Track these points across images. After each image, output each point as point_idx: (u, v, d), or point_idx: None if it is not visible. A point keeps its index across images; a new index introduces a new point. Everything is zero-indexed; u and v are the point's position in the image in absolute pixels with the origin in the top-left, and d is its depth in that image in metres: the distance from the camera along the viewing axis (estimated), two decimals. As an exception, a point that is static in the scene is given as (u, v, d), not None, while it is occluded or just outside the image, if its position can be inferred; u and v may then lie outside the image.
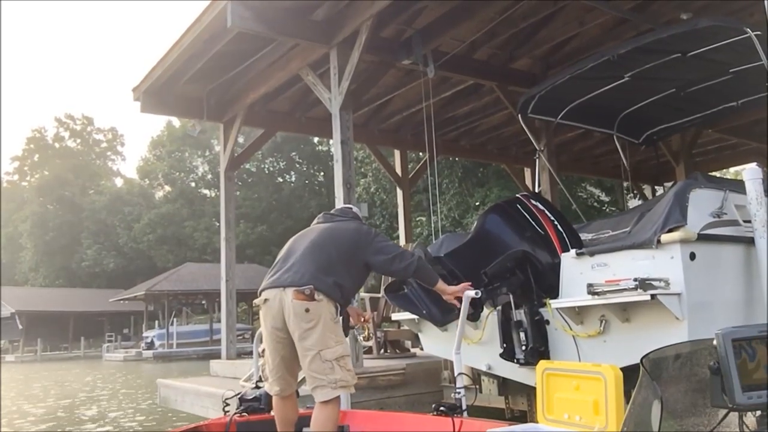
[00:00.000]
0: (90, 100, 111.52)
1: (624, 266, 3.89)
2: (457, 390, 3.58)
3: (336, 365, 3.30)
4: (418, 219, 21.41)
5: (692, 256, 3.69)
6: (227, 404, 4.00)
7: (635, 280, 3.55)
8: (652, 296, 3.54)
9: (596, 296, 3.77)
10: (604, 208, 23.33)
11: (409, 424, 3.78)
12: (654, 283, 3.57)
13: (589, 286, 3.78)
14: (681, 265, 3.64)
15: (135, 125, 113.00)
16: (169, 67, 7.72)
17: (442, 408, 3.48)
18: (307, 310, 3.30)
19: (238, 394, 3.98)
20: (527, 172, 12.25)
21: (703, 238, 3.77)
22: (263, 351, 3.59)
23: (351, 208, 3.92)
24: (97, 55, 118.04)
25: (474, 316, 4.63)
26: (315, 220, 3.83)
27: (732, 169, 17.61)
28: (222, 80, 8.49)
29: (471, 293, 3.71)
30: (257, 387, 4.09)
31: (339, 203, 6.45)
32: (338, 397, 3.40)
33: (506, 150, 12.24)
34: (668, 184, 14.49)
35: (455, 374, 3.70)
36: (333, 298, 3.40)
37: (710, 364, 1.43)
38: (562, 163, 11.03)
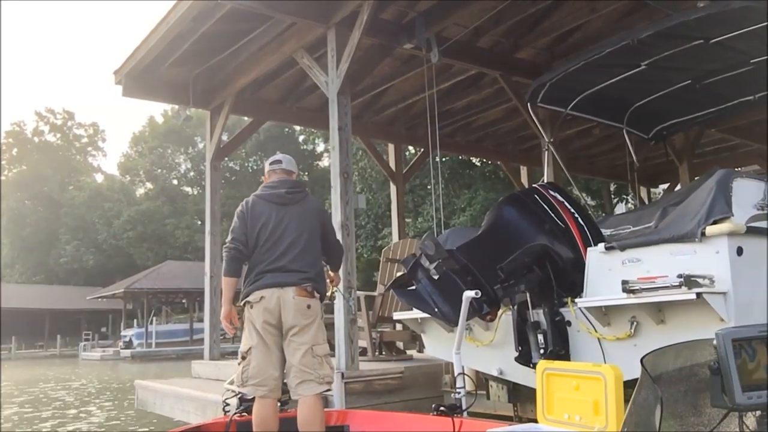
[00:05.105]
0: (72, 94, 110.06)
1: (660, 262, 3.51)
2: (457, 390, 3.65)
3: (324, 361, 3.56)
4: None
5: (740, 251, 3.31)
6: (227, 404, 4.06)
7: (679, 276, 3.16)
8: (698, 295, 3.15)
9: (632, 295, 3.38)
10: (590, 213, 23.09)
11: (409, 424, 3.84)
12: (699, 280, 3.19)
13: (624, 283, 3.39)
14: (728, 261, 3.26)
15: (117, 120, 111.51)
16: (154, 48, 7.23)
17: (442, 408, 3.52)
18: (308, 307, 3.55)
19: (238, 395, 3.97)
20: (524, 171, 11.90)
21: (750, 231, 3.40)
22: (248, 350, 3.63)
23: (293, 173, 4.08)
24: (81, 48, 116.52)
25: (490, 317, 4.23)
26: (275, 193, 3.92)
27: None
28: (210, 64, 8.01)
29: (471, 293, 3.68)
30: None
31: (335, 194, 6.03)
32: (320, 394, 3.57)
33: (502, 147, 11.86)
34: (664, 186, 14.23)
35: (455, 374, 3.73)
36: (323, 294, 3.73)
37: (710, 364, 1.42)
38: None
